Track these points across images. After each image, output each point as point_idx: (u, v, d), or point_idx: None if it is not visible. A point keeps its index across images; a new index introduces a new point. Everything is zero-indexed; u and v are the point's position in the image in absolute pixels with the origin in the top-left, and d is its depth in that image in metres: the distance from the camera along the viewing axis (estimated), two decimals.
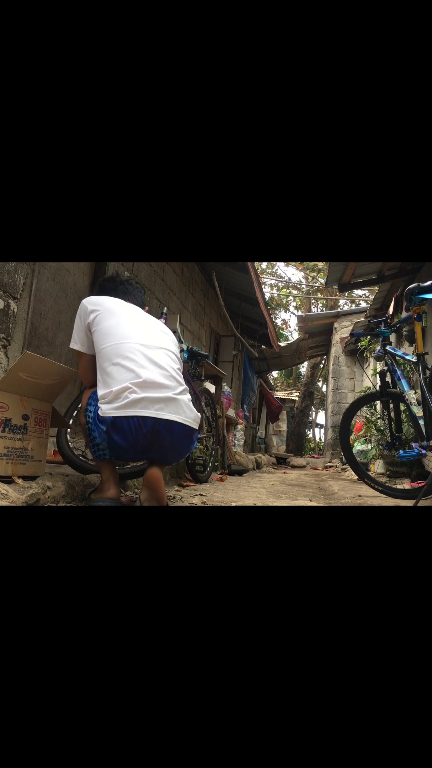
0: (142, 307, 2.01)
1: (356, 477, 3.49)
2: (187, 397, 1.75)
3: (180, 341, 3.79)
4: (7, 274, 2.22)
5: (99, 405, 1.63)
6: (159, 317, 2.85)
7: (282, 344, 10.17)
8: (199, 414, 1.80)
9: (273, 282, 14.82)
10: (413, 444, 2.53)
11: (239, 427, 6.95)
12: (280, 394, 16.36)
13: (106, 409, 1.60)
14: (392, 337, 3.74)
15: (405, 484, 3.46)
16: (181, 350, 3.50)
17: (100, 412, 1.61)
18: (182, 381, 1.78)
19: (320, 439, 21.29)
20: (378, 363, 3.34)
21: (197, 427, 1.76)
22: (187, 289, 5.71)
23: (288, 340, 12.74)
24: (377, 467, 5.00)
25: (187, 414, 1.70)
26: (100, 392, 1.63)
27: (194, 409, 1.75)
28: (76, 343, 1.82)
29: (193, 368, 3.60)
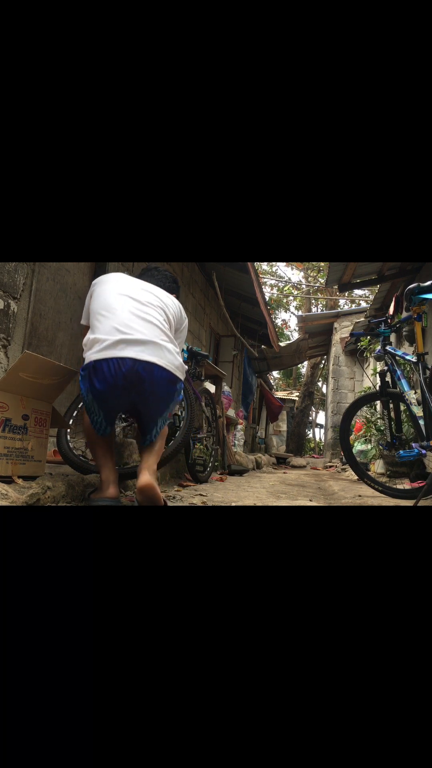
0: (167, 290, 2.01)
1: (356, 477, 3.49)
2: (173, 347, 1.72)
3: None
4: (7, 274, 2.22)
5: (83, 356, 1.65)
6: None
7: (282, 344, 10.17)
8: (184, 364, 1.76)
9: (273, 282, 14.82)
10: (413, 444, 2.53)
11: (239, 427, 6.95)
12: (280, 394, 16.35)
13: (87, 356, 1.61)
14: (392, 337, 3.74)
15: (405, 484, 3.46)
16: (181, 350, 3.50)
17: (83, 365, 1.64)
18: (170, 335, 1.75)
19: (320, 439, 21.29)
20: (378, 363, 3.34)
21: (182, 377, 1.72)
22: (187, 289, 5.71)
23: (288, 340, 12.74)
24: (377, 467, 5.00)
25: (168, 359, 1.67)
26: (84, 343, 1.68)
27: (179, 358, 1.72)
28: (82, 319, 1.89)
29: (193, 368, 3.60)
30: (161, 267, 2.16)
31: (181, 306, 1.98)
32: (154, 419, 1.75)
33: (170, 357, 1.68)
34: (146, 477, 1.65)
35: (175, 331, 1.91)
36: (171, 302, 1.90)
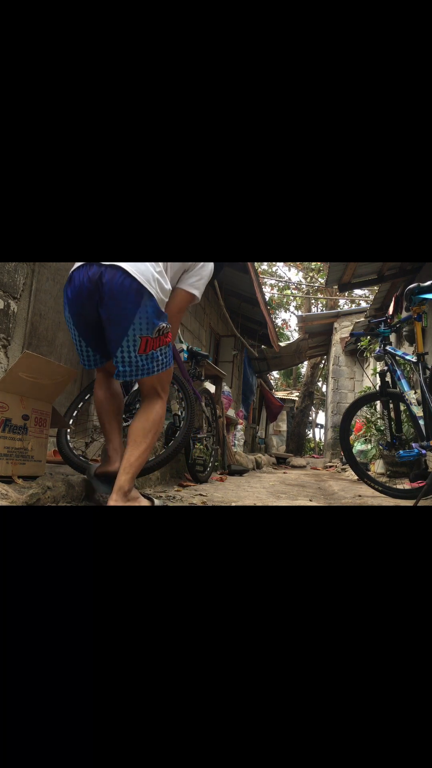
0: None
1: (356, 477, 3.49)
2: (153, 265, 1.55)
3: (180, 341, 3.79)
4: (7, 274, 2.22)
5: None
6: None
7: (282, 344, 10.17)
8: (163, 282, 1.57)
9: (273, 282, 14.82)
10: (413, 444, 2.53)
11: (239, 427, 6.95)
12: (280, 394, 16.35)
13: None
14: (392, 337, 3.74)
15: (405, 484, 3.46)
16: (181, 350, 3.50)
17: None
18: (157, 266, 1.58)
19: (320, 439, 21.29)
20: (378, 363, 3.34)
21: (152, 291, 1.53)
22: None
23: (288, 340, 12.74)
24: (377, 467, 5.00)
25: (138, 268, 1.50)
26: None
27: (155, 272, 1.55)
28: None
29: (193, 368, 3.60)
30: None
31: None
32: (118, 341, 1.56)
33: (141, 267, 1.51)
34: (111, 499, 1.57)
35: (184, 272, 1.76)
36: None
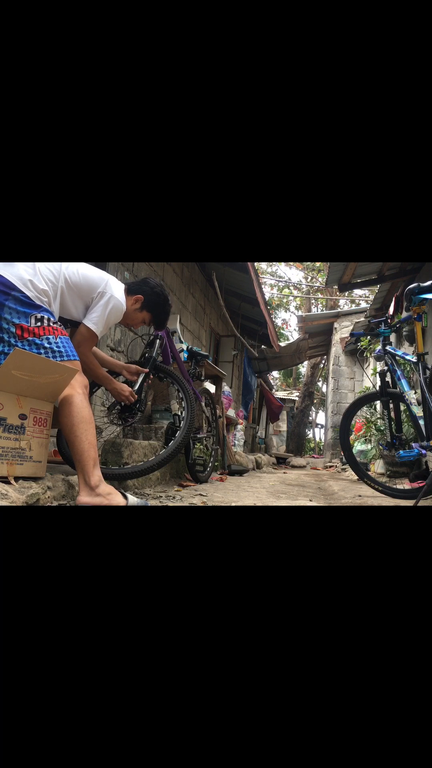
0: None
1: (356, 477, 3.49)
2: (34, 269, 1.74)
3: (180, 341, 3.79)
4: None
5: None
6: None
7: (282, 344, 10.17)
8: (41, 283, 1.74)
9: (273, 282, 14.82)
10: (413, 444, 2.53)
11: (239, 427, 6.95)
12: (280, 394, 16.36)
13: None
14: (392, 337, 3.74)
15: (405, 484, 3.46)
16: (181, 350, 3.50)
17: None
18: (51, 272, 1.80)
19: (320, 439, 21.29)
20: (378, 363, 3.34)
21: (20, 286, 1.68)
22: (187, 289, 5.71)
23: (288, 340, 12.74)
24: (377, 467, 5.00)
25: (13, 271, 1.68)
26: None
27: (34, 277, 1.73)
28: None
29: (193, 368, 3.60)
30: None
31: (98, 281, 1.95)
32: None
33: (17, 270, 1.69)
34: (79, 499, 1.63)
35: (77, 291, 1.90)
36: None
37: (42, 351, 1.70)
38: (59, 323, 1.81)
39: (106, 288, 1.95)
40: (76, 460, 1.67)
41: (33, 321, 1.70)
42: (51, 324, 1.74)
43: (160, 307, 2.33)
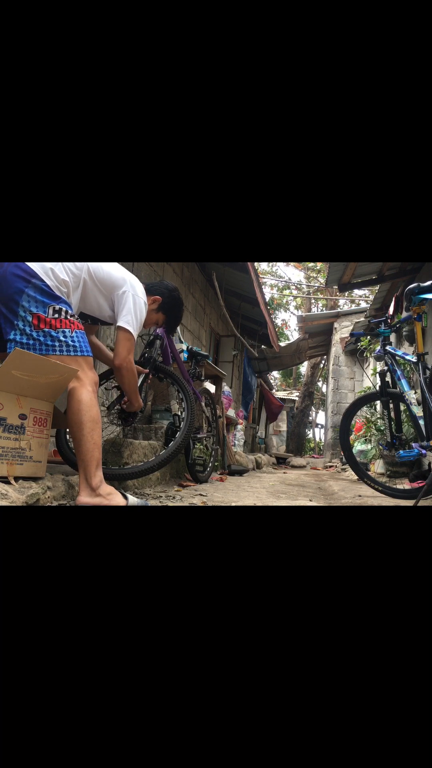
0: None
1: (356, 477, 3.49)
2: (59, 265, 1.74)
3: (180, 341, 3.79)
4: None
5: None
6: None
7: (282, 344, 10.17)
8: (63, 275, 1.74)
9: (273, 282, 14.82)
10: (413, 444, 2.53)
11: (239, 427, 6.95)
12: (280, 394, 16.36)
13: None
14: (392, 337, 3.74)
15: (405, 484, 3.46)
16: (181, 350, 3.50)
17: None
18: (72, 269, 1.79)
19: (320, 439, 21.29)
20: (378, 363, 3.34)
21: (32, 277, 1.67)
22: (187, 289, 5.71)
23: (288, 340, 12.74)
24: (377, 467, 5.00)
25: (34, 265, 1.69)
26: None
27: (54, 269, 1.73)
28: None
29: (193, 368, 3.60)
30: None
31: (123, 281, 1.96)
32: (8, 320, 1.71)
33: (36, 266, 1.68)
34: (79, 499, 1.63)
35: (102, 287, 1.90)
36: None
37: (57, 344, 1.68)
38: (76, 317, 1.78)
39: (129, 287, 1.94)
40: (80, 459, 1.66)
41: (51, 312, 1.67)
42: (68, 317, 1.72)
43: (175, 310, 2.32)
